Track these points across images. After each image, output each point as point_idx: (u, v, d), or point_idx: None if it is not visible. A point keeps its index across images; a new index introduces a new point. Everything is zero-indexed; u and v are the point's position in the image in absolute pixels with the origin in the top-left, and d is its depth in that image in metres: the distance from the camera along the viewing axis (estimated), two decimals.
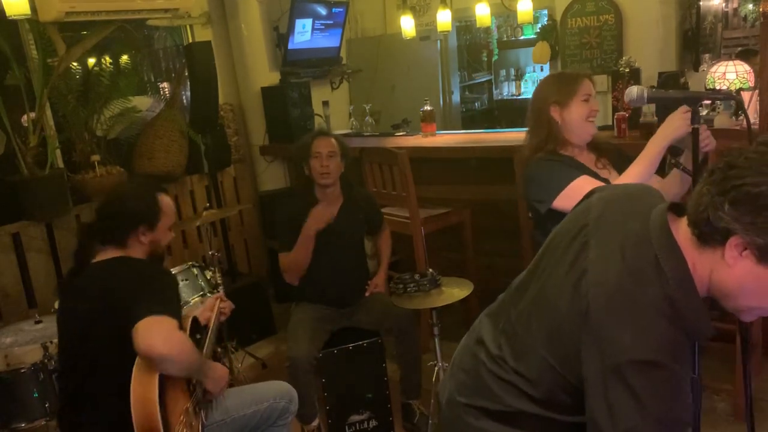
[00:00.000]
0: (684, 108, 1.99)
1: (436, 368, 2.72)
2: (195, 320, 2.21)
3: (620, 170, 2.21)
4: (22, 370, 2.63)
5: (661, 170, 2.24)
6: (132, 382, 1.80)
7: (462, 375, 1.43)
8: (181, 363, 1.85)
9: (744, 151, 1.07)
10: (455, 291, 2.62)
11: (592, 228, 1.24)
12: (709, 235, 1.09)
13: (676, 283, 1.10)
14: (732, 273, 1.09)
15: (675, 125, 2.00)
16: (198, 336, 2.20)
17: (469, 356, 1.43)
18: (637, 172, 2.08)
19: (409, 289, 2.63)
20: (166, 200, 2.18)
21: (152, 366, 1.80)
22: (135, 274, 1.96)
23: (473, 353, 1.42)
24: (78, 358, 1.98)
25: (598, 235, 1.22)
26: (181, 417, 1.89)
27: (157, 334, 1.76)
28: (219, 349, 3.24)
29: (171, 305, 1.90)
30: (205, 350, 2.19)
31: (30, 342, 2.70)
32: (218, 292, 2.64)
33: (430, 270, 2.67)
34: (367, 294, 3.11)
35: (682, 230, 1.15)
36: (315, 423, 2.93)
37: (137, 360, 1.82)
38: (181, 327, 1.95)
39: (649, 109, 3.27)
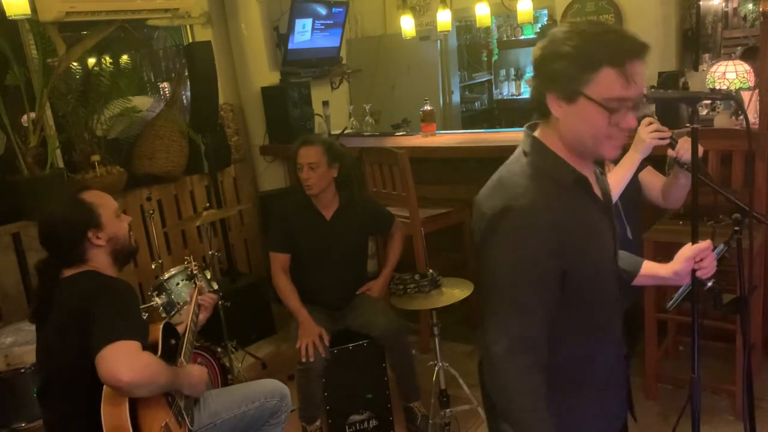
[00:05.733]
0: (647, 120, 2.09)
1: (437, 368, 2.72)
2: (167, 326, 2.15)
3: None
4: (22, 370, 2.64)
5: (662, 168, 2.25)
6: (102, 412, 1.77)
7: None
8: (150, 386, 1.80)
9: None
10: (455, 292, 2.62)
11: None
12: (540, 109, 1.33)
13: (534, 152, 1.35)
14: (565, 124, 1.30)
15: (640, 139, 2.10)
16: (173, 341, 2.14)
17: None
18: (615, 180, 2.12)
19: (409, 290, 2.63)
20: (92, 194, 2.03)
21: (120, 394, 1.77)
22: (92, 293, 1.88)
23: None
24: (49, 382, 1.95)
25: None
26: None
27: (120, 363, 1.71)
28: (219, 350, 3.25)
29: (131, 325, 1.83)
30: (183, 351, 2.15)
31: (30, 342, 2.70)
32: (199, 286, 2.57)
33: (431, 270, 2.67)
34: (358, 292, 3.09)
35: (538, 132, 1.38)
36: (317, 423, 2.93)
37: (105, 388, 1.77)
38: (146, 343, 1.90)
39: (648, 109, 3.27)
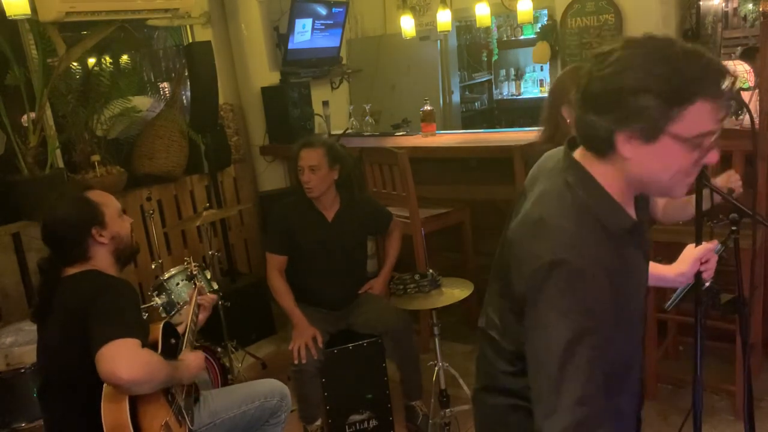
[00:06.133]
0: None
1: (437, 368, 2.71)
2: (167, 326, 2.16)
3: None
4: (22, 371, 2.64)
5: None
6: (102, 411, 1.77)
7: (479, 365, 1.46)
8: (150, 383, 1.81)
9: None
10: (455, 291, 2.62)
11: (528, 184, 1.33)
12: (601, 146, 1.15)
13: (582, 188, 1.17)
14: (636, 164, 1.13)
15: None
16: (173, 341, 2.14)
17: (479, 349, 1.45)
18: None
19: (409, 290, 2.63)
20: (97, 193, 2.07)
21: (121, 391, 1.77)
22: (93, 292, 1.88)
23: (481, 343, 1.44)
24: (49, 382, 1.96)
25: (531, 188, 1.29)
26: None
27: (120, 361, 1.71)
28: (219, 350, 3.25)
29: (131, 323, 1.84)
30: (183, 351, 2.14)
31: (30, 342, 2.70)
32: (199, 286, 2.57)
33: (431, 270, 2.67)
34: (360, 291, 3.10)
35: (579, 154, 1.21)
36: (317, 423, 2.93)
37: (105, 387, 1.78)
38: (146, 342, 1.90)
39: None
